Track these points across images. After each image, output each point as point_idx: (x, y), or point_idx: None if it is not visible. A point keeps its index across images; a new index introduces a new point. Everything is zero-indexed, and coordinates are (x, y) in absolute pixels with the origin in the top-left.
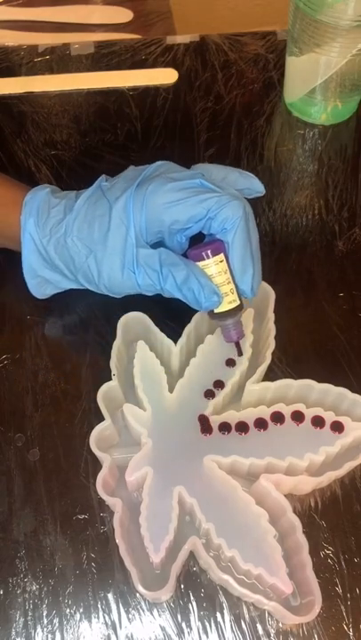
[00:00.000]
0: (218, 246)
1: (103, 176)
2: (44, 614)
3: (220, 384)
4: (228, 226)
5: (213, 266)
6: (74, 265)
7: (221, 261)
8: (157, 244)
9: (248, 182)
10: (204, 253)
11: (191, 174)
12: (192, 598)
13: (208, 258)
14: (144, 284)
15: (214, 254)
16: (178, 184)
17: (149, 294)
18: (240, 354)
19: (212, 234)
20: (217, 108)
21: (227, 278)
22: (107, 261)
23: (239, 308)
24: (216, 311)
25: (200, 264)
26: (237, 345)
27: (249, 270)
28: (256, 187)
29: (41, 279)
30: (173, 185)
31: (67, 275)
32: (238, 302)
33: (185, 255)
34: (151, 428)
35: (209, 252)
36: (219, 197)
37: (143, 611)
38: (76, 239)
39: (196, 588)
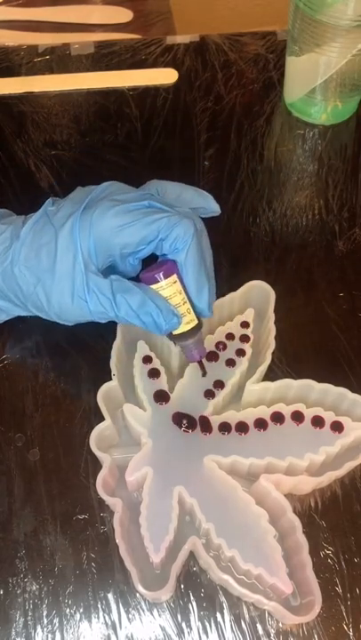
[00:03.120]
0: (170, 267)
1: (50, 199)
2: (44, 614)
3: (220, 384)
4: (179, 245)
5: (167, 288)
6: (22, 294)
7: (175, 282)
8: (109, 268)
9: (204, 201)
10: (156, 276)
11: (140, 195)
12: (192, 598)
13: (161, 280)
14: (96, 310)
15: (167, 276)
16: (126, 206)
17: (102, 321)
18: (204, 373)
19: (165, 254)
20: (217, 108)
21: (182, 299)
22: (56, 289)
23: (198, 327)
24: (175, 333)
25: (153, 287)
26: (200, 364)
27: (205, 288)
28: (212, 206)
29: None
30: (121, 208)
31: (17, 303)
32: (197, 321)
33: (137, 278)
34: (151, 428)
35: (161, 274)
36: (169, 217)
37: (143, 611)
38: (24, 268)
39: (196, 587)
